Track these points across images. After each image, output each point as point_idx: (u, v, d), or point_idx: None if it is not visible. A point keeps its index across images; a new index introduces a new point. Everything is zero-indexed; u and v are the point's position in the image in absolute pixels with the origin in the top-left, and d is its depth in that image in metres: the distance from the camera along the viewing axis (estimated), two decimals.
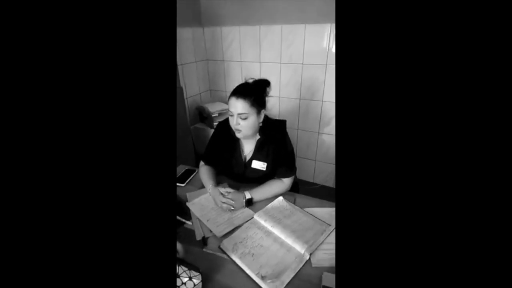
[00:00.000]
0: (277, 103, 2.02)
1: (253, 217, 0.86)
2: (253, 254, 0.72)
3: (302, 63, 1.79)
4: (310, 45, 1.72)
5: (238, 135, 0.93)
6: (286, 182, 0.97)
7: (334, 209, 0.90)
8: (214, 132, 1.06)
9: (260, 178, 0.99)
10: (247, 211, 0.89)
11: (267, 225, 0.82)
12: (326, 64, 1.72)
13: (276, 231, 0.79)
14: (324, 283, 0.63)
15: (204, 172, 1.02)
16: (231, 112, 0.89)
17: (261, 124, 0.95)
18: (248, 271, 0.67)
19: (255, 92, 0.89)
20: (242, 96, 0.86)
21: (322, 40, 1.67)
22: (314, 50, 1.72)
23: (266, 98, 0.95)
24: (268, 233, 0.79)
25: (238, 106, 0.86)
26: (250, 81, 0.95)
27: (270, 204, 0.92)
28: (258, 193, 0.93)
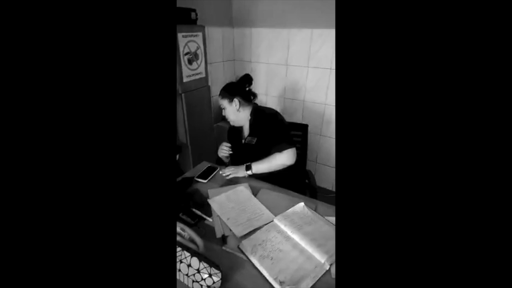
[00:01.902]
0: (300, 107, 2.00)
1: (273, 221, 0.85)
2: (272, 258, 0.71)
3: (330, 68, 1.76)
4: None
5: (232, 123, 1.20)
6: (284, 153, 1.07)
7: None
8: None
9: (253, 154, 1.12)
10: (267, 213, 0.89)
11: (287, 230, 0.81)
12: None
13: (296, 237, 0.78)
14: None
15: (222, 152, 1.22)
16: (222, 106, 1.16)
17: (239, 110, 1.14)
18: (266, 275, 0.66)
19: (225, 87, 1.16)
20: (219, 95, 1.17)
21: None
22: None
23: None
24: (288, 238, 0.78)
25: (220, 101, 1.16)
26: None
27: (291, 209, 0.91)
28: (258, 162, 1.08)
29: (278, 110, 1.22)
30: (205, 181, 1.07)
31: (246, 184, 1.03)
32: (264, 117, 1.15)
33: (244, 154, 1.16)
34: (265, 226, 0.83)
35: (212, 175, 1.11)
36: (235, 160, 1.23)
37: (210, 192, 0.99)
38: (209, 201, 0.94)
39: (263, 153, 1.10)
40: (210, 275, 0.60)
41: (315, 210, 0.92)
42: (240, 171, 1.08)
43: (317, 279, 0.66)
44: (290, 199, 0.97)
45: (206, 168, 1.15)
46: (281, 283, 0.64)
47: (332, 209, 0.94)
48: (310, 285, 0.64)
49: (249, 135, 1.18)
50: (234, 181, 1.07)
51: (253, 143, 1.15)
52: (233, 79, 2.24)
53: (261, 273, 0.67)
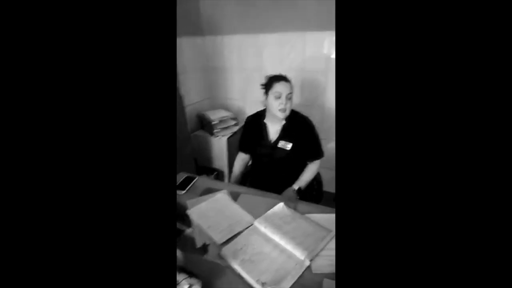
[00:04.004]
0: None
1: (253, 224, 0.86)
2: (253, 261, 0.71)
3: (302, 70, 1.81)
4: (311, 52, 1.74)
5: (282, 115, 1.08)
6: (317, 163, 1.17)
7: (333, 215, 0.90)
8: (245, 125, 1.27)
9: (285, 158, 1.13)
10: (247, 217, 0.89)
11: (268, 231, 0.81)
12: (327, 70, 1.74)
13: (277, 238, 0.79)
14: None
15: (236, 167, 1.28)
16: (278, 93, 1.05)
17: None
18: (248, 278, 0.66)
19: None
20: (287, 80, 1.08)
21: (322, 47, 1.69)
22: (314, 56, 1.74)
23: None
24: (268, 240, 0.79)
25: (288, 87, 1.06)
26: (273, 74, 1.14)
27: (270, 210, 0.92)
28: (299, 181, 1.11)
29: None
30: (183, 192, 1.06)
31: (226, 191, 1.03)
32: (302, 123, 1.14)
33: (273, 157, 1.15)
34: (246, 230, 0.83)
35: (190, 185, 1.10)
36: (258, 159, 1.23)
37: (189, 202, 0.98)
38: (188, 212, 0.93)
39: (295, 161, 1.14)
40: (190, 286, 0.59)
41: (295, 209, 0.94)
42: (291, 197, 1.02)
43: (298, 276, 0.67)
44: (270, 201, 0.98)
45: (184, 179, 1.14)
46: (263, 284, 0.64)
47: (311, 206, 0.96)
48: (292, 282, 0.65)
49: (281, 138, 1.12)
50: (214, 189, 1.07)
51: (288, 148, 1.11)
52: (207, 88, 2.24)
53: (243, 278, 0.67)
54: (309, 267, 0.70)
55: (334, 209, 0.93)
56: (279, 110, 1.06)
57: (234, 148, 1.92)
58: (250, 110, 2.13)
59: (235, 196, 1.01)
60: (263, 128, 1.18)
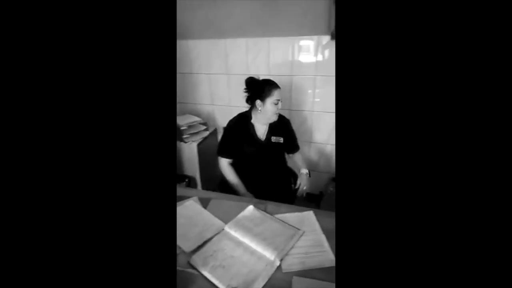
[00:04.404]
0: None
1: (223, 229, 0.85)
2: (224, 266, 0.71)
3: (269, 75, 1.86)
4: (275, 57, 1.80)
5: (276, 118, 1.20)
6: (299, 154, 1.36)
7: (303, 213, 0.93)
8: (229, 129, 1.28)
9: (279, 149, 1.29)
10: (218, 223, 0.88)
11: (238, 235, 0.81)
12: (292, 75, 1.80)
13: (247, 240, 0.79)
14: (294, 287, 0.64)
15: (232, 175, 1.23)
16: (277, 100, 1.16)
17: None
18: (218, 284, 0.66)
19: None
20: (280, 87, 1.19)
21: (287, 52, 1.76)
22: (279, 62, 1.80)
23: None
24: (239, 243, 0.79)
25: (281, 93, 1.17)
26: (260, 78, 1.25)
27: (241, 214, 0.92)
28: (301, 167, 1.27)
29: (226, 120, 1.30)
30: None
31: (195, 198, 1.01)
32: (283, 120, 1.29)
33: (270, 151, 1.27)
34: (216, 236, 0.82)
35: None
36: (244, 160, 1.26)
37: None
38: None
39: (286, 151, 1.34)
40: None
41: (265, 210, 0.95)
42: (306, 182, 1.21)
43: (268, 277, 0.68)
44: (240, 204, 0.98)
45: None
46: None
47: (281, 206, 0.98)
48: (262, 284, 0.66)
49: (272, 135, 1.25)
50: (185, 197, 1.03)
51: (281, 141, 1.25)
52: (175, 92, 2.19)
53: (214, 284, 0.66)
54: (279, 267, 0.71)
55: (302, 208, 0.96)
56: (275, 114, 1.19)
57: (205, 154, 1.89)
58: (220, 115, 2.13)
59: (205, 203, 1.00)
60: (251, 129, 1.25)
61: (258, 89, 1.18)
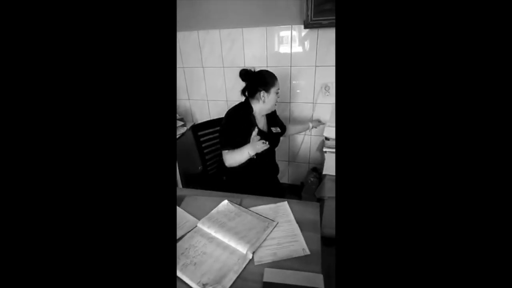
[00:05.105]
0: (224, 108, 2.01)
1: (196, 226, 0.84)
2: (195, 264, 0.70)
3: (244, 66, 1.83)
4: (250, 48, 1.76)
5: (274, 108, 1.26)
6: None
7: (277, 204, 0.93)
8: (232, 120, 1.21)
9: (278, 139, 1.36)
10: (191, 220, 0.86)
11: (211, 231, 0.80)
12: (267, 66, 1.78)
13: (220, 236, 0.78)
14: (265, 279, 0.64)
15: (233, 152, 1.14)
16: (279, 89, 1.21)
17: None
18: (189, 282, 0.65)
19: None
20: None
21: (261, 43, 1.73)
22: (254, 53, 1.77)
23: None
24: (211, 239, 0.78)
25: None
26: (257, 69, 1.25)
27: (214, 209, 0.91)
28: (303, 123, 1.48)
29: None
30: None
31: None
32: (274, 111, 1.33)
33: (271, 142, 1.25)
34: (188, 234, 0.81)
35: None
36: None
37: None
38: None
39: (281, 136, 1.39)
40: None
41: (240, 204, 0.94)
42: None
43: (240, 270, 0.68)
44: (215, 199, 0.97)
45: None
46: (204, 285, 0.63)
47: (258, 199, 0.97)
48: (234, 278, 0.65)
49: (271, 125, 1.30)
50: None
51: (279, 131, 1.34)
52: None
53: (185, 283, 0.65)
54: (252, 260, 0.71)
55: (276, 199, 0.96)
56: (275, 104, 1.23)
57: (183, 150, 1.85)
58: (197, 110, 2.08)
59: (179, 200, 0.97)
60: (253, 120, 1.23)
61: (261, 80, 1.18)
